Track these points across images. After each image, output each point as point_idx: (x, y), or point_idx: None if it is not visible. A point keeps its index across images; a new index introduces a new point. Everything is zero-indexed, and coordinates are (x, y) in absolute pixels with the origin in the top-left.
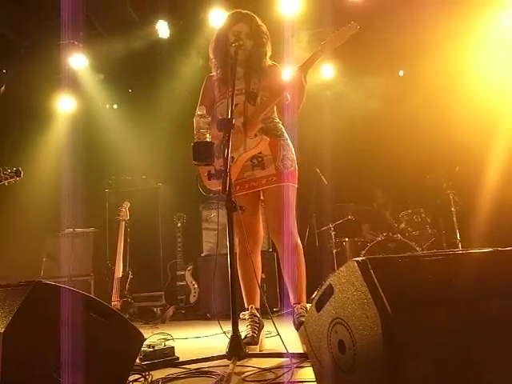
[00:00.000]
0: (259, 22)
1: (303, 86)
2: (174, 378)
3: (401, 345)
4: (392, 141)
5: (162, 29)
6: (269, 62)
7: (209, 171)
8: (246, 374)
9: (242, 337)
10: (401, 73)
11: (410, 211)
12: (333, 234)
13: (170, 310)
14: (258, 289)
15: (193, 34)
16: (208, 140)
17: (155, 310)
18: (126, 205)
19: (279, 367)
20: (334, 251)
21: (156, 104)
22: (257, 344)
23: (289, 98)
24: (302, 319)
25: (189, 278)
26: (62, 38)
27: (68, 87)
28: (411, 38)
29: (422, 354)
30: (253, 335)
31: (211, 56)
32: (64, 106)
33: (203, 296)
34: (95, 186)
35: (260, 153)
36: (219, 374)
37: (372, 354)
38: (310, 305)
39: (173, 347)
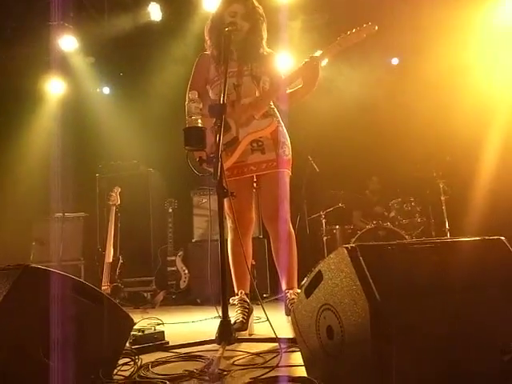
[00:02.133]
0: (256, 3)
1: (318, 75)
2: (163, 362)
3: (388, 332)
4: (384, 129)
5: (154, 11)
6: (265, 48)
7: (200, 156)
8: (236, 358)
9: (232, 322)
10: (394, 61)
11: (400, 200)
12: (323, 221)
13: (161, 295)
14: (248, 274)
15: (186, 17)
16: (199, 125)
17: (145, 295)
18: (117, 190)
19: (268, 352)
20: (325, 238)
21: (148, 88)
22: (246, 329)
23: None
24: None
25: (179, 264)
26: (51, 19)
27: (58, 70)
28: (409, 27)
29: (407, 341)
30: (242, 320)
31: (206, 36)
32: (54, 88)
33: (193, 281)
34: (86, 171)
35: (261, 137)
36: (208, 358)
37: (359, 340)
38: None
39: (163, 332)
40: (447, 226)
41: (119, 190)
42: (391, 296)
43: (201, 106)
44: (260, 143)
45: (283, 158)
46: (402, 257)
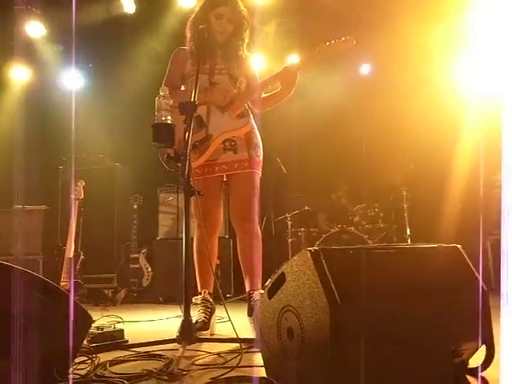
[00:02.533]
0: (242, 6)
1: (295, 82)
2: (121, 361)
3: (347, 334)
4: (352, 135)
5: (128, 3)
6: (245, 51)
7: (168, 154)
8: (196, 358)
9: (194, 321)
10: (364, 68)
11: (364, 205)
12: (289, 223)
13: (122, 293)
14: (213, 274)
15: (160, 12)
16: (169, 122)
17: (106, 292)
18: (81, 183)
19: (229, 352)
20: (290, 241)
21: (118, 81)
22: (208, 329)
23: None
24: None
25: (143, 261)
26: (17, 3)
27: (22, 56)
28: (380, 35)
29: (365, 344)
30: (204, 320)
31: (187, 32)
32: (18, 75)
33: (157, 280)
34: (48, 162)
35: (234, 137)
36: (168, 358)
37: (319, 342)
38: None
39: (122, 330)
40: (408, 233)
41: (83, 183)
42: (351, 299)
43: (171, 102)
44: (233, 143)
45: (255, 159)
46: (363, 261)
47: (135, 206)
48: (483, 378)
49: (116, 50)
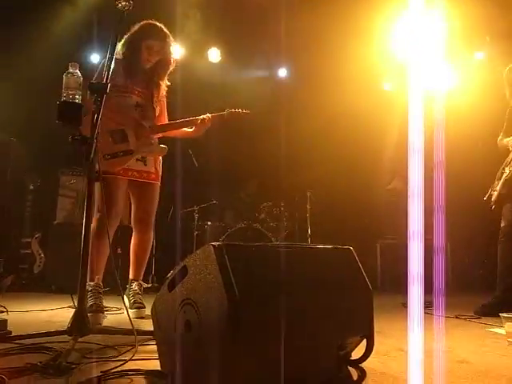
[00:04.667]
0: (171, 41)
1: (203, 131)
2: (2, 354)
3: (244, 328)
4: (266, 134)
5: None
6: (166, 82)
7: (73, 135)
8: (88, 350)
9: (88, 306)
10: (282, 72)
11: (270, 203)
12: (196, 216)
13: (8, 280)
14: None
15: None
16: (77, 101)
17: None
18: None
19: (124, 345)
20: (195, 233)
21: (20, 48)
22: (103, 312)
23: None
24: (137, 298)
25: (35, 247)
26: None
27: None
28: (299, 37)
29: (260, 338)
30: (98, 304)
31: (121, 48)
32: None
33: (50, 266)
34: None
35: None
36: (56, 350)
37: (216, 336)
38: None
39: (5, 320)
40: (309, 232)
41: None
42: (250, 294)
43: (81, 80)
44: (144, 158)
45: (159, 173)
46: (264, 258)
47: (31, 187)
48: (361, 368)
49: (19, 18)
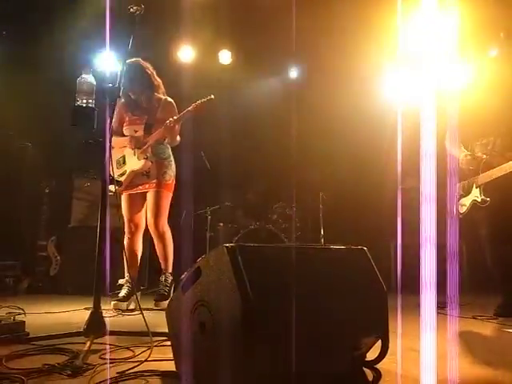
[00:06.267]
0: (144, 72)
1: (175, 133)
2: (20, 355)
3: (258, 330)
4: (277, 135)
5: None
6: (159, 96)
7: (87, 139)
8: (103, 351)
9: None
10: (293, 73)
11: (283, 204)
12: (209, 217)
13: (25, 282)
14: (138, 263)
15: None
16: (90, 105)
17: (7, 280)
18: None
19: (139, 346)
20: (208, 235)
21: (35, 54)
22: (126, 301)
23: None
24: (162, 291)
25: (51, 249)
26: None
27: None
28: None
29: (275, 339)
30: (124, 295)
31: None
32: None
33: (66, 269)
34: None
35: (149, 169)
36: (73, 352)
37: (230, 337)
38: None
39: (23, 322)
40: (322, 233)
41: None
42: (264, 296)
43: (94, 84)
44: (148, 172)
45: (162, 182)
46: (277, 259)
47: (47, 190)
48: (377, 369)
49: (34, 19)
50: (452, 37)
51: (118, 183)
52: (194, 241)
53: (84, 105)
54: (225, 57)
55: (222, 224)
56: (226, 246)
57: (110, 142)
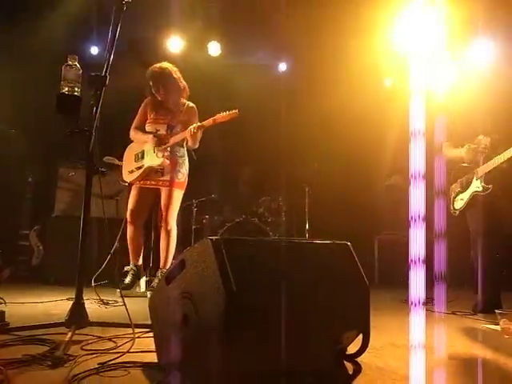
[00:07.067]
0: (171, 77)
1: (197, 139)
2: (0, 345)
3: (241, 322)
4: (265, 128)
5: None
6: (183, 102)
7: (71, 128)
8: (85, 342)
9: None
10: (282, 66)
11: (269, 198)
12: (194, 210)
13: (6, 272)
14: (141, 251)
15: None
16: (76, 94)
17: None
18: None
19: (121, 337)
20: (193, 227)
21: (22, 40)
22: (130, 289)
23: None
24: (153, 284)
25: (34, 239)
26: None
27: None
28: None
29: (258, 332)
30: (128, 283)
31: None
32: None
33: (49, 259)
34: None
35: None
36: (54, 342)
37: (213, 329)
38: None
39: (3, 312)
40: (307, 227)
41: None
42: (247, 288)
43: (80, 72)
44: (162, 169)
45: (175, 180)
46: (262, 253)
47: (30, 179)
48: (357, 363)
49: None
50: (441, 34)
51: (103, 173)
52: (180, 233)
53: (69, 93)
54: (214, 48)
55: (207, 217)
56: (211, 239)
57: (95, 131)
